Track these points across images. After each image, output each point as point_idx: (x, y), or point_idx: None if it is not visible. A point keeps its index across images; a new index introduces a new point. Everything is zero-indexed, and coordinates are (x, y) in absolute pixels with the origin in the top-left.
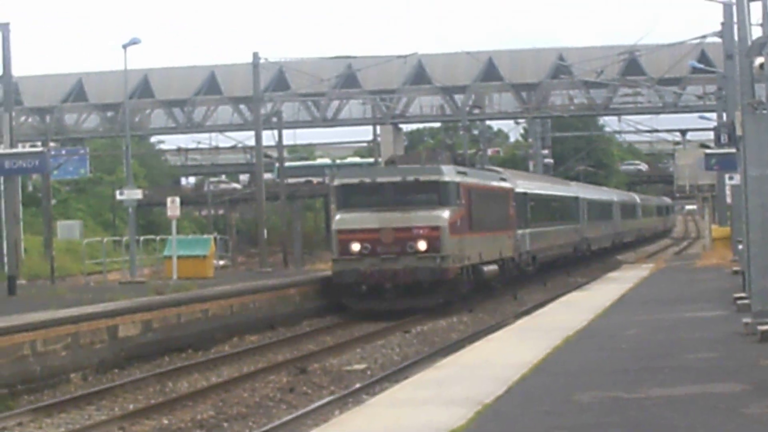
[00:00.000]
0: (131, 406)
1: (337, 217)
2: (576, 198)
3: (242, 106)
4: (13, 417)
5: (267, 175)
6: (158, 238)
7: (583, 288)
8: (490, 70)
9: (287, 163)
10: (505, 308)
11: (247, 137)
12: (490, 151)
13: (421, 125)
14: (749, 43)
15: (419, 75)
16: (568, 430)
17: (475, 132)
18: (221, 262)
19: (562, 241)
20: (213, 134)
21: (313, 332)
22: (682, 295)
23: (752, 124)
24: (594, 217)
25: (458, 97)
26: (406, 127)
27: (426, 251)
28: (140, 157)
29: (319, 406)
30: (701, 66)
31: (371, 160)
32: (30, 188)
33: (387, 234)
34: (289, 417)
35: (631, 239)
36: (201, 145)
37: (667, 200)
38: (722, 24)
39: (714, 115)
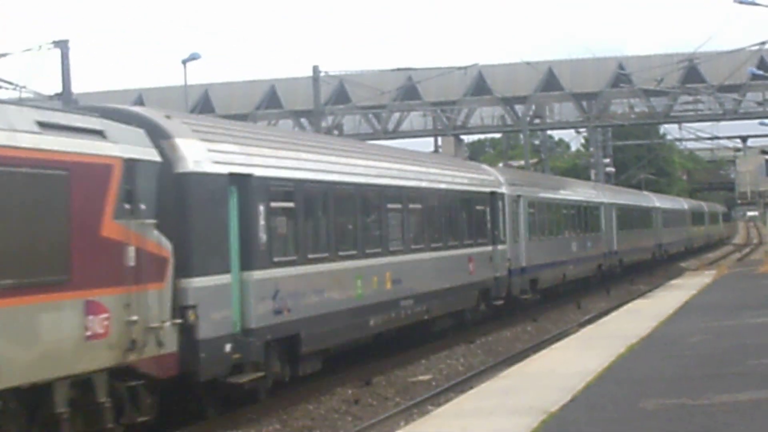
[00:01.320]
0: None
1: None
2: (491, 194)
3: (303, 120)
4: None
5: None
6: None
7: (647, 295)
8: (550, 80)
9: None
10: (569, 317)
11: None
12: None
13: (482, 136)
14: None
15: (480, 86)
16: None
17: (537, 142)
18: None
19: (436, 283)
20: None
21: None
22: (746, 301)
23: None
24: (541, 230)
25: (519, 108)
26: (467, 138)
27: None
28: None
29: (385, 417)
30: (761, 72)
31: None
32: None
33: None
34: (355, 429)
35: (641, 258)
36: None
37: (716, 206)
38: None
39: None
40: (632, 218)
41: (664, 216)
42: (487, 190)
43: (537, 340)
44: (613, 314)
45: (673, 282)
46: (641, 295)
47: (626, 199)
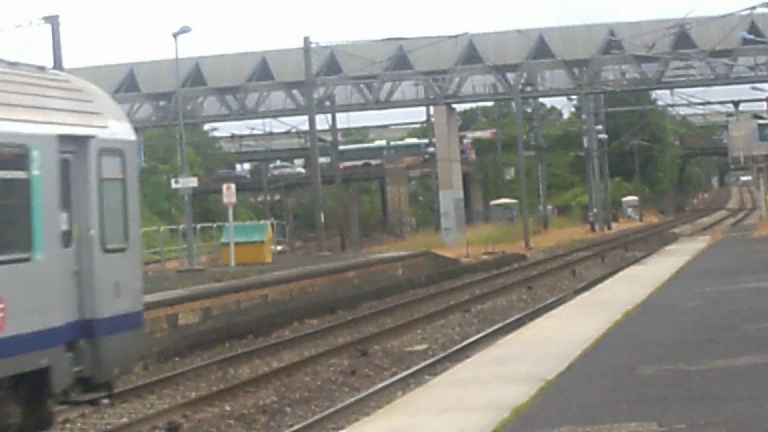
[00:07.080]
0: (193, 394)
1: None
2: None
3: (295, 91)
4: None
5: (322, 159)
6: (215, 225)
7: (642, 262)
8: (541, 48)
9: (345, 147)
10: (564, 284)
11: (301, 122)
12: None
13: (474, 104)
14: None
15: (471, 54)
16: (632, 404)
17: (529, 110)
18: (279, 248)
19: None
20: (266, 120)
21: (373, 314)
22: (741, 266)
23: None
24: None
25: (510, 76)
26: (459, 107)
27: None
28: (195, 144)
29: (382, 387)
30: (752, 37)
31: (425, 141)
32: None
33: None
34: (352, 399)
35: None
36: (255, 131)
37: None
38: None
39: (766, 86)
40: None
41: None
42: None
43: (532, 308)
44: (609, 281)
45: (668, 248)
46: (636, 261)
47: None
